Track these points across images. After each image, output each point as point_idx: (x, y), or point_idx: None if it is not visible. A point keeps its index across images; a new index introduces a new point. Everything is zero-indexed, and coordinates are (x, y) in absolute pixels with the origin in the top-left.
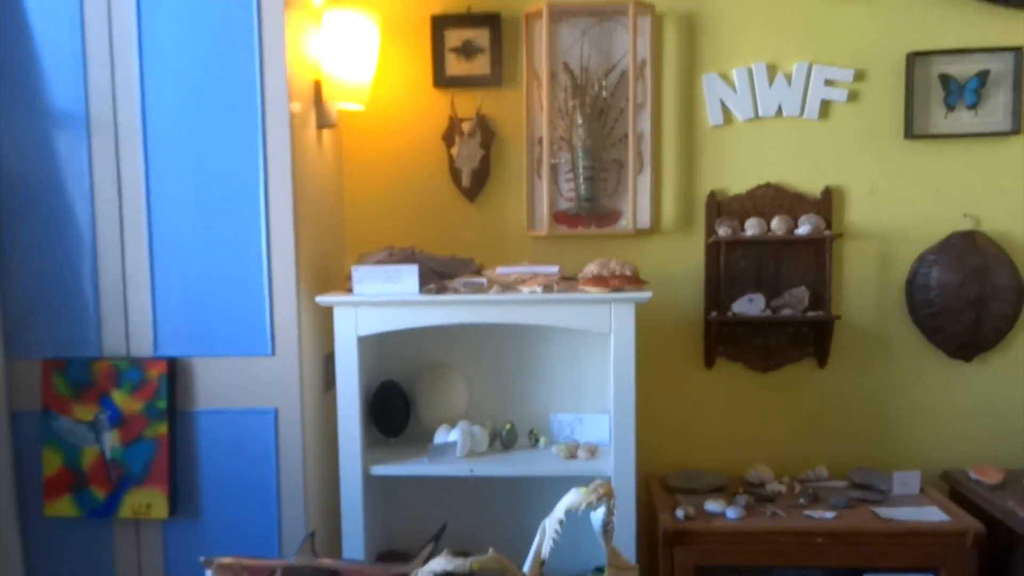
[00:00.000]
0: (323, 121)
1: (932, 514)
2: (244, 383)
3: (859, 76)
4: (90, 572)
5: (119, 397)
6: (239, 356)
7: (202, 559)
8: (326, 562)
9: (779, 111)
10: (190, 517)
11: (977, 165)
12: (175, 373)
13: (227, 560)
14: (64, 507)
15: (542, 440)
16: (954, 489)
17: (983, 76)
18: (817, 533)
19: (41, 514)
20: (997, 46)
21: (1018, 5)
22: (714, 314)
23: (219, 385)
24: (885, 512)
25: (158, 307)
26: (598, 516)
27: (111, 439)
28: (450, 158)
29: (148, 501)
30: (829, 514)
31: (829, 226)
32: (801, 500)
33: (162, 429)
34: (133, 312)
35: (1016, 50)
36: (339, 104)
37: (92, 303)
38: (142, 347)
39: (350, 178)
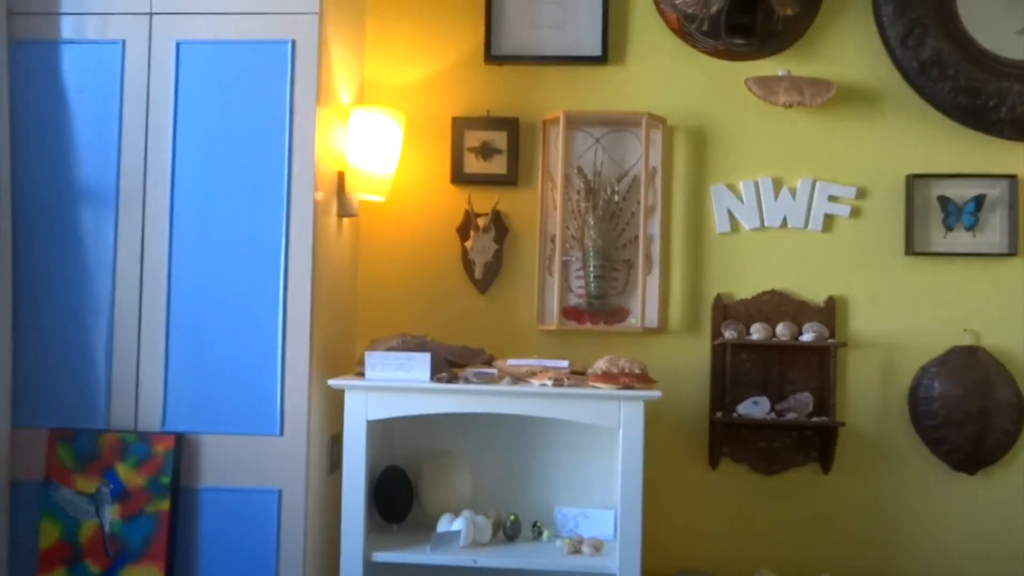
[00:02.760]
0: (344, 210)
1: None
2: (250, 462)
3: (861, 194)
4: None
5: (123, 471)
6: (247, 435)
7: None
8: None
9: (784, 222)
10: None
11: (976, 283)
12: (181, 449)
13: None
14: None
15: (546, 533)
16: None
17: (980, 200)
18: None
19: None
20: (993, 172)
21: (1012, 136)
22: (719, 415)
23: (225, 463)
24: None
25: (170, 382)
26: None
27: (111, 513)
28: (464, 251)
29: None
30: None
31: (833, 334)
32: None
33: (164, 505)
34: (144, 386)
35: (1011, 177)
36: (360, 195)
37: (104, 375)
38: (150, 421)
39: (366, 265)
